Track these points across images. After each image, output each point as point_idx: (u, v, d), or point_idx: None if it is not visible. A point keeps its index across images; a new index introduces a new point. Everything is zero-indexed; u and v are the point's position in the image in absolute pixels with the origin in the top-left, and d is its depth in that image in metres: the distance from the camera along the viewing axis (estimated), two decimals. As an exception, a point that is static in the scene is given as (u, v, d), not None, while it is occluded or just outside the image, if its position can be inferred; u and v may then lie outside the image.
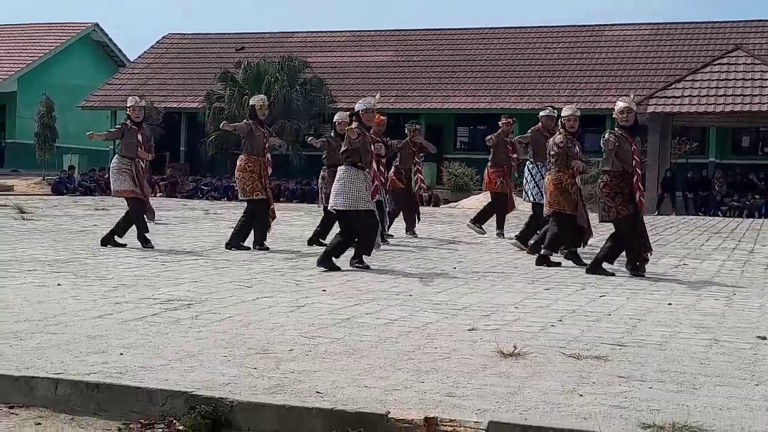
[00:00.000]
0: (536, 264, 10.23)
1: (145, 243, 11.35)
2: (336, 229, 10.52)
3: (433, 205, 26.93)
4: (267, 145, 11.50)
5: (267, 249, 11.33)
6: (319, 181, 12.70)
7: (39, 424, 4.46)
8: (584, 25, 37.34)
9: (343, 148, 9.72)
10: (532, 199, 12.34)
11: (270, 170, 11.57)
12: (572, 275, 9.51)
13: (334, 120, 11.78)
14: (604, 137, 9.43)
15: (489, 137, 13.90)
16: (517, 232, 12.55)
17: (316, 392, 4.50)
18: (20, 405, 4.67)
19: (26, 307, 6.72)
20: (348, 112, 10.21)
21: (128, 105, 11.79)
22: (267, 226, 11.59)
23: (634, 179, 9.38)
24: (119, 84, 36.81)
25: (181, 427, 4.32)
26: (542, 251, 10.39)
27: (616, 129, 9.60)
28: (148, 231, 11.51)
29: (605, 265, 9.58)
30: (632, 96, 10.07)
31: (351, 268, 9.53)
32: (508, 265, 10.47)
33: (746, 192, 27.86)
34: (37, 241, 11.93)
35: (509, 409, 4.28)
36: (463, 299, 7.64)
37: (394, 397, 4.45)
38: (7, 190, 27.11)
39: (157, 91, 35.88)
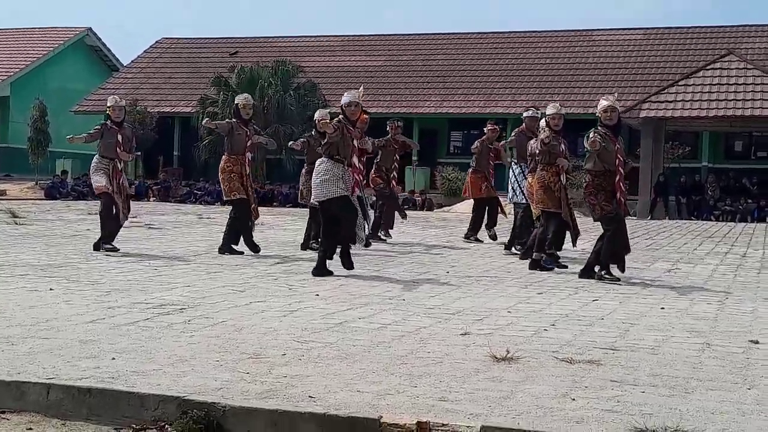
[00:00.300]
0: (529, 268, 10.23)
1: (107, 244, 11.12)
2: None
3: (426, 210, 26.94)
4: (248, 144, 11.40)
5: (258, 251, 11.28)
6: (301, 179, 12.57)
7: (30, 429, 4.45)
8: (577, 30, 37.46)
9: (323, 142, 9.66)
10: (515, 200, 12.39)
11: (249, 170, 11.43)
12: (565, 280, 9.52)
13: (315, 118, 11.56)
14: (588, 136, 9.34)
15: (475, 145, 13.95)
16: (506, 242, 12.60)
17: (309, 397, 4.50)
18: (12, 410, 4.65)
19: (18, 312, 6.70)
20: (328, 110, 10.14)
21: (108, 105, 11.64)
22: (249, 226, 11.44)
23: (616, 179, 9.35)
24: (113, 88, 36.71)
25: (173, 432, 4.32)
26: (534, 255, 10.38)
27: (599, 128, 9.52)
28: (111, 236, 11.24)
29: (597, 269, 9.54)
30: (615, 94, 10.07)
31: (344, 273, 9.51)
32: (501, 269, 10.48)
33: (739, 196, 27.95)
34: (30, 245, 11.89)
35: (502, 413, 4.28)
36: (456, 303, 7.64)
37: (386, 401, 4.44)
38: (-1, 194, 27.05)
39: (150, 95, 35.88)
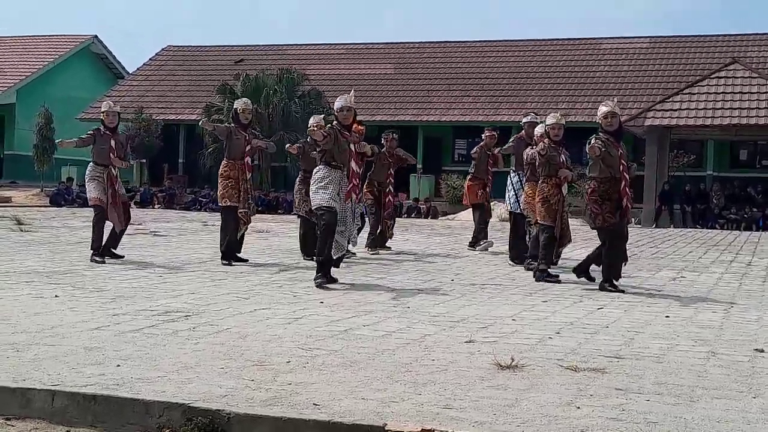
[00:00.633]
0: (536, 280, 10.07)
1: (96, 253, 10.95)
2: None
3: (431, 218, 26.96)
4: (248, 149, 11.18)
5: (231, 262, 11.02)
6: (295, 186, 12.43)
7: (35, 435, 4.46)
8: (582, 38, 37.50)
9: (318, 149, 9.49)
10: (512, 208, 12.24)
11: (249, 174, 11.19)
12: (570, 288, 9.50)
13: (309, 124, 10.87)
14: (589, 143, 9.21)
15: (474, 150, 13.80)
16: (509, 253, 12.40)
17: (314, 404, 4.50)
18: (17, 417, 4.66)
19: (23, 319, 6.71)
20: (322, 116, 9.92)
21: (102, 110, 11.45)
22: (238, 235, 11.20)
23: (622, 185, 9.22)
24: (118, 96, 36.82)
25: (177, 439, 4.32)
26: (540, 266, 10.27)
27: (600, 134, 9.38)
28: (100, 246, 11.05)
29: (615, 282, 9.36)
30: (615, 100, 9.92)
31: (348, 281, 9.51)
32: (506, 277, 10.47)
33: (744, 205, 27.93)
34: (35, 252, 11.91)
35: (506, 421, 4.28)
36: (460, 311, 7.64)
37: (391, 409, 4.44)
38: (5, 201, 27.11)
39: (155, 103, 35.98)
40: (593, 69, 34.42)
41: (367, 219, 13.64)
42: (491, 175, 13.81)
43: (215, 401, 4.51)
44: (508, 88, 33.90)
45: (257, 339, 6.15)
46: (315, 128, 9.25)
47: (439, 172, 32.18)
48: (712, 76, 27.84)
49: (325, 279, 9.08)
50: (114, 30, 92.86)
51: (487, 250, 13.62)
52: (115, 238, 11.37)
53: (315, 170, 9.41)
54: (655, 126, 26.43)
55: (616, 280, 9.35)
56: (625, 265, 9.62)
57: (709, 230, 23.36)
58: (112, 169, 11.17)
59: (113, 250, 11.34)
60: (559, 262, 11.19)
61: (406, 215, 27.68)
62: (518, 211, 11.91)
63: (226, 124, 11.64)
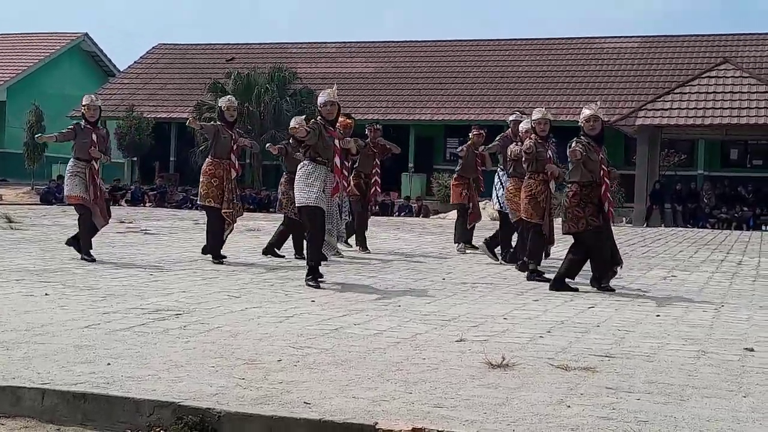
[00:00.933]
0: (527, 279, 10.08)
1: (89, 257, 10.73)
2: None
3: (422, 216, 26.97)
4: (234, 148, 11.05)
5: (222, 260, 10.94)
6: (279, 188, 12.37)
7: (25, 434, 4.45)
8: (574, 38, 37.55)
9: (302, 145, 9.33)
10: (500, 207, 12.19)
11: (235, 174, 11.07)
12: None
13: (291, 126, 10.88)
14: (570, 147, 9.04)
15: (461, 148, 13.63)
16: (487, 237, 12.40)
17: (305, 403, 4.49)
18: (6, 415, 4.64)
19: (13, 317, 6.69)
20: (303, 117, 9.66)
21: (83, 103, 11.16)
22: (221, 234, 11.08)
23: (602, 189, 9.09)
24: (109, 94, 36.80)
25: (168, 438, 4.31)
26: (530, 266, 10.26)
27: (582, 137, 9.20)
28: (91, 246, 10.90)
29: (567, 281, 9.23)
30: (598, 103, 9.77)
31: (340, 280, 9.51)
32: (497, 276, 10.48)
33: (734, 204, 28.03)
34: (25, 250, 11.87)
35: (497, 420, 4.28)
36: (451, 310, 7.64)
37: (382, 407, 4.44)
38: (-5, 199, 27.03)
39: (147, 101, 35.92)
40: (585, 68, 34.48)
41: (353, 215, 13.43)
42: (481, 174, 13.59)
43: (206, 400, 4.50)
44: (499, 87, 33.94)
45: (248, 337, 6.14)
46: (297, 127, 9.03)
47: (430, 170, 32.22)
48: (703, 75, 27.93)
49: (316, 282, 8.96)
50: (113, 30, 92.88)
51: (464, 252, 13.34)
52: (90, 234, 10.99)
53: (300, 165, 9.24)
54: (646, 125, 26.50)
55: (608, 284, 9.23)
56: (621, 267, 9.57)
57: (700, 229, 23.42)
58: (94, 164, 10.95)
59: (77, 245, 10.97)
60: (548, 261, 11.19)
61: (397, 214, 27.69)
62: (507, 210, 11.88)
63: (212, 123, 11.46)
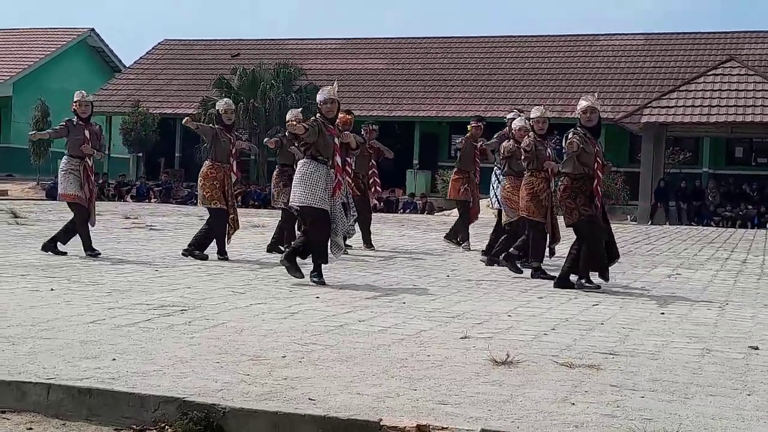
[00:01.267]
0: (531, 277, 10.03)
1: (92, 252, 10.73)
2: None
3: (427, 213, 26.97)
4: (233, 152, 11.01)
5: (226, 258, 10.87)
6: (272, 181, 12.32)
7: (31, 429, 4.46)
8: (579, 35, 37.50)
9: (299, 144, 9.22)
10: (497, 205, 12.14)
11: (235, 178, 11.06)
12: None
13: (287, 119, 9.92)
14: (566, 138, 8.93)
15: (459, 140, 13.51)
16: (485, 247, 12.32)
17: (309, 399, 4.50)
18: (12, 410, 4.66)
19: (19, 312, 6.71)
20: (300, 109, 9.52)
21: (75, 99, 11.07)
22: (225, 236, 10.98)
23: (595, 183, 9.02)
24: (114, 89, 36.85)
25: (173, 433, 4.32)
26: (533, 264, 10.23)
27: (579, 129, 9.08)
28: (91, 242, 10.85)
29: (583, 281, 9.12)
30: (595, 95, 9.67)
31: (344, 275, 9.51)
32: (502, 273, 10.46)
33: (739, 202, 27.97)
34: (31, 245, 11.90)
35: (501, 417, 4.29)
36: (456, 307, 7.65)
37: (386, 404, 4.45)
38: (1, 194, 27.07)
39: (152, 96, 35.94)
40: (590, 65, 34.43)
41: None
42: (479, 167, 13.43)
43: (211, 395, 4.51)
44: (504, 84, 33.90)
45: (253, 333, 6.15)
46: (294, 122, 8.80)
47: (435, 167, 32.19)
48: (709, 73, 27.88)
49: (322, 279, 8.87)
50: (114, 30, 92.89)
51: (468, 249, 13.27)
52: (72, 232, 10.98)
53: (300, 163, 9.03)
54: (651, 123, 26.46)
55: (606, 280, 9.12)
56: (617, 261, 9.54)
57: (705, 227, 23.40)
58: (88, 161, 10.90)
59: (60, 245, 10.93)
60: (553, 259, 11.19)
61: (402, 211, 27.69)
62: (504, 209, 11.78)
63: (210, 125, 11.38)
